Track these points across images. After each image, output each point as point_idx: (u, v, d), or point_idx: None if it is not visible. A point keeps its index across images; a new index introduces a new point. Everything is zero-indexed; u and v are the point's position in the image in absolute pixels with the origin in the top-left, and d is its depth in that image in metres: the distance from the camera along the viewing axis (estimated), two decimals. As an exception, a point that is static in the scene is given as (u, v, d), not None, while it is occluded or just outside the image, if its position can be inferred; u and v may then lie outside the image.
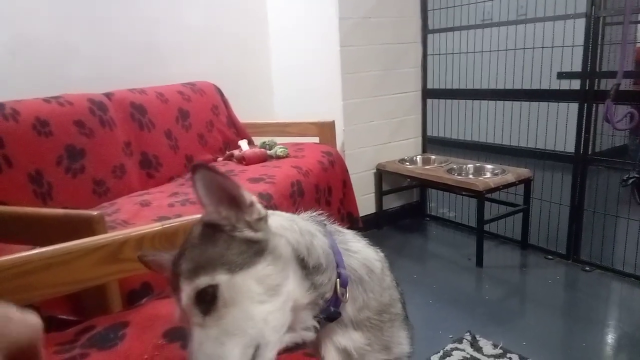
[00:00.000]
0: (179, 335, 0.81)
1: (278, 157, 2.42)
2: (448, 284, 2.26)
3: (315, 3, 2.72)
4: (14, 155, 1.58)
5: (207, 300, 0.60)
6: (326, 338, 0.72)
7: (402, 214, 3.08)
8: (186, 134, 2.42)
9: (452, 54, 2.87)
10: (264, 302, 0.61)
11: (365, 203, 2.87)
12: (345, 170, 2.58)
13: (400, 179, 2.93)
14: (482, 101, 2.74)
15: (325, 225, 0.79)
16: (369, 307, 0.75)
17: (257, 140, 2.72)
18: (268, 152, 2.46)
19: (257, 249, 0.63)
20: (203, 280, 0.60)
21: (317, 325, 0.69)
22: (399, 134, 2.98)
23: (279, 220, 0.71)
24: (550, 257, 2.43)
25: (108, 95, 2.08)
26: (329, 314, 0.70)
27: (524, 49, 2.48)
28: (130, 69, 2.46)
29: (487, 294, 2.18)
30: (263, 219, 0.66)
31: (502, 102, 2.63)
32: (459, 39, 2.81)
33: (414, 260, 2.60)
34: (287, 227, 0.71)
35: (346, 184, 2.59)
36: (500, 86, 2.59)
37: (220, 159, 2.53)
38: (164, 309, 0.91)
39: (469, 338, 1.76)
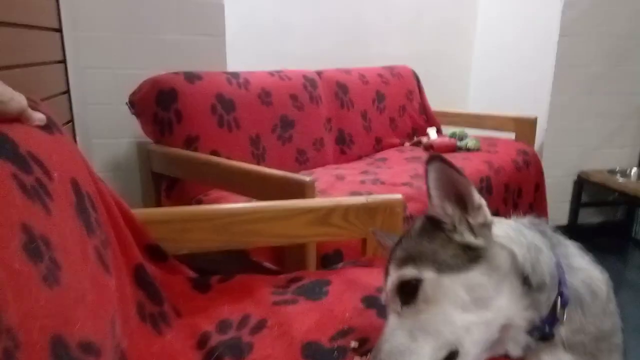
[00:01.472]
0: (375, 304, 0.87)
1: (468, 150, 2.34)
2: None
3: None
4: (242, 119, 1.84)
5: (408, 291, 0.61)
6: (532, 355, 0.68)
7: (600, 233, 2.72)
8: (379, 116, 2.50)
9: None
10: (468, 310, 0.60)
11: (557, 213, 2.61)
12: (540, 173, 2.37)
13: (605, 192, 2.58)
14: None
15: (547, 234, 0.73)
16: (585, 332, 0.69)
17: (446, 129, 2.67)
18: (458, 142, 2.40)
19: (473, 256, 0.62)
20: (409, 272, 0.62)
21: (530, 344, 0.65)
22: (612, 141, 2.61)
23: (505, 229, 0.68)
24: None
25: (319, 73, 2.26)
26: (543, 333, 0.66)
27: None
28: (338, 48, 2.63)
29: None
30: (487, 226, 0.64)
31: None
32: None
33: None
34: (514, 238, 0.67)
35: (539, 188, 2.39)
36: None
37: (407, 144, 2.56)
38: (362, 277, 0.99)
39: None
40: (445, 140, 2.43)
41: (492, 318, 0.61)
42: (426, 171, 0.63)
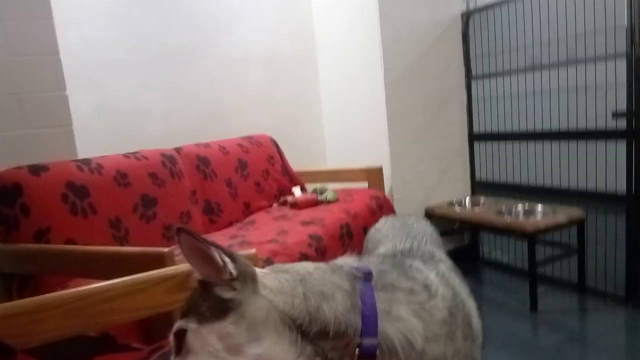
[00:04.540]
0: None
1: (328, 202, 2.56)
2: (501, 329, 2.23)
3: (362, 58, 2.93)
4: (98, 204, 1.82)
5: (179, 341, 0.68)
6: None
7: (454, 257, 3.01)
8: (244, 183, 2.63)
9: (497, 97, 2.95)
10: (221, 358, 0.66)
11: (416, 246, 2.91)
12: (393, 214, 2.66)
13: (450, 222, 2.96)
14: (530, 143, 2.77)
15: (372, 278, 0.76)
16: None
17: (310, 186, 2.89)
18: (319, 197, 2.61)
19: (224, 307, 0.67)
20: (180, 323, 0.69)
21: None
22: (446, 178, 3.05)
23: (279, 281, 0.73)
24: (608, 300, 2.35)
25: (177, 149, 2.34)
26: None
27: (568, 90, 2.52)
28: (197, 125, 2.75)
29: (542, 339, 2.13)
30: (238, 280, 0.69)
31: (549, 143, 2.65)
32: (503, 82, 2.89)
33: (466, 303, 2.58)
34: (285, 289, 0.71)
35: (395, 227, 2.67)
36: (547, 128, 2.63)
37: (275, 204, 2.71)
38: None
39: (520, 380, 1.74)
40: (308, 196, 2.63)
41: None
42: (178, 243, 0.71)
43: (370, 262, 0.84)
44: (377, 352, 0.71)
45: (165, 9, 2.65)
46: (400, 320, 0.73)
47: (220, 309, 0.67)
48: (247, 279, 0.70)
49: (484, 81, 2.99)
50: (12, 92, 1.81)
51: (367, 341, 0.70)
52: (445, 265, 0.94)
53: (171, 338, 0.70)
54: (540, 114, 2.69)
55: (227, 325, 0.66)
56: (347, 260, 0.84)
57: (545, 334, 2.18)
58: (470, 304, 0.89)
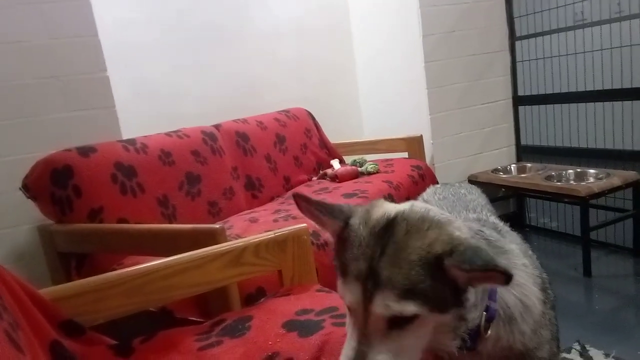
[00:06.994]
0: (295, 327, 0.93)
1: (369, 173, 2.52)
2: (555, 294, 2.17)
3: (399, 23, 2.83)
4: (145, 183, 1.85)
5: (401, 320, 0.62)
6: None
7: None
8: (283, 157, 2.61)
9: (544, 58, 2.81)
10: (421, 344, 0.65)
11: (459, 215, 2.85)
12: (436, 183, 2.61)
13: (495, 189, 2.88)
14: (580, 105, 2.63)
15: (491, 243, 0.73)
16: (511, 349, 0.72)
17: (348, 159, 2.85)
18: (359, 169, 2.58)
19: (456, 302, 0.63)
20: (412, 308, 0.61)
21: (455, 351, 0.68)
22: (490, 144, 2.94)
23: None
24: (668, 264, 2.25)
25: (217, 126, 2.34)
26: (465, 346, 0.69)
27: (621, 47, 2.36)
28: (232, 102, 2.73)
29: (597, 304, 2.07)
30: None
31: (600, 103, 2.51)
32: (550, 42, 2.74)
33: (514, 271, 2.52)
34: None
35: (438, 196, 2.61)
36: (598, 87, 2.48)
37: (314, 178, 2.69)
38: (280, 305, 1.05)
39: (578, 348, 1.70)
40: (348, 168, 2.60)
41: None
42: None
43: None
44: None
45: (195, -15, 2.62)
46: (519, 287, 0.72)
47: (450, 304, 0.63)
48: None
49: (529, 42, 2.84)
50: (55, 75, 1.83)
51: (492, 305, 0.68)
52: (517, 237, 0.91)
53: (382, 313, 0.62)
54: (589, 73, 2.55)
55: (447, 319, 0.64)
56: (468, 222, 0.82)
57: (600, 299, 2.11)
58: (545, 275, 0.87)
